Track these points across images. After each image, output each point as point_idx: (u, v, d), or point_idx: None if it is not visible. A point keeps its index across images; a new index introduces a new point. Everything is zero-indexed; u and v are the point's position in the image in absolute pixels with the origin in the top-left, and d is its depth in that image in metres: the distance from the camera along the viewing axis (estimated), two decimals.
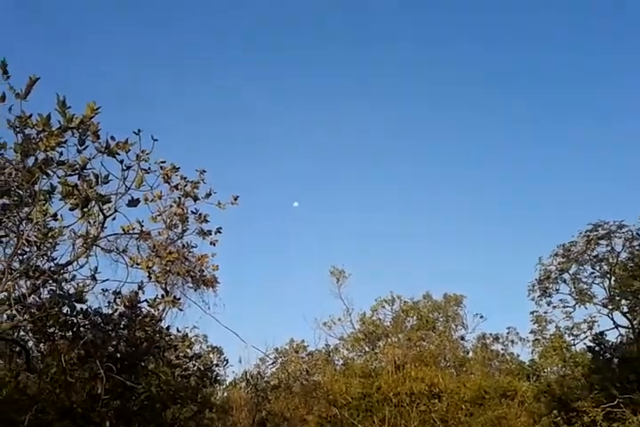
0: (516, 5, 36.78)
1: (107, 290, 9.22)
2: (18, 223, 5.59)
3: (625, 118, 37.26)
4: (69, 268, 6.53)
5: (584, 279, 22.65)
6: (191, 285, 10.85)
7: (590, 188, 34.59)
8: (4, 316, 7.06)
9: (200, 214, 8.96)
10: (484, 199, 36.16)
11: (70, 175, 5.50)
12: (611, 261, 21.80)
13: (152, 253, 8.73)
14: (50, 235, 6.03)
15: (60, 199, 5.49)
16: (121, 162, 5.82)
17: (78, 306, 7.10)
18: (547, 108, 37.15)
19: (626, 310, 21.56)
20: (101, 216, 6.14)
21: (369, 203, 35.96)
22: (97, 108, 5.12)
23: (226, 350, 21.49)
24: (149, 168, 6.82)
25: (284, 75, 35.53)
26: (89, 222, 6.24)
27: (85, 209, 5.68)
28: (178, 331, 11.00)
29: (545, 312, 23.45)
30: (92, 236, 6.31)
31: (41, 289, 7.03)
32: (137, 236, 7.76)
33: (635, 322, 21.38)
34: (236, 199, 8.82)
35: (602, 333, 21.60)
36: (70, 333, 8.64)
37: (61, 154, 5.17)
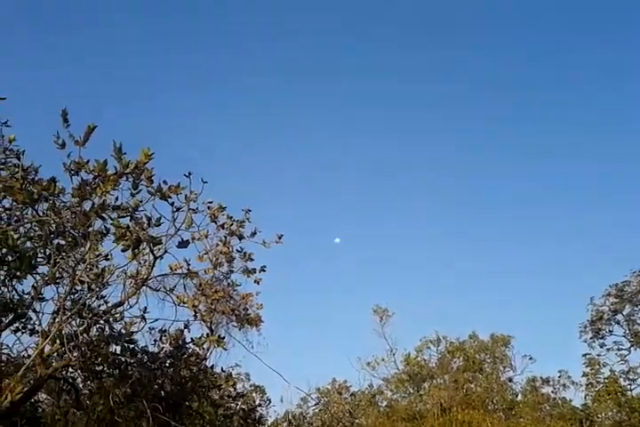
0: None
1: (153, 328, 9.36)
2: (73, 264, 5.77)
3: None
4: (120, 307, 6.67)
5: (639, 321, 21.77)
6: (235, 323, 10.90)
7: None
8: (55, 354, 7.23)
9: (245, 253, 9.08)
10: (531, 235, 35.27)
11: (123, 217, 5.69)
12: None
13: (198, 292, 8.86)
14: (102, 275, 6.19)
15: (114, 241, 5.67)
16: (172, 204, 6.00)
17: (127, 345, 7.21)
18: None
19: None
20: (152, 257, 6.28)
21: (413, 237, 35.52)
22: (151, 154, 5.33)
23: (267, 389, 21.28)
24: (197, 208, 6.98)
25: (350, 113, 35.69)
26: (139, 263, 6.39)
27: (137, 250, 5.83)
28: (222, 370, 10.99)
29: (598, 355, 22.63)
30: (142, 276, 6.45)
31: (91, 328, 7.20)
32: (184, 275, 7.87)
33: None
34: (280, 238, 8.92)
35: None
36: (118, 371, 8.73)
37: (117, 199, 5.39)
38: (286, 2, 35.65)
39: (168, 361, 9.59)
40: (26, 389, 6.71)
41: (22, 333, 7.41)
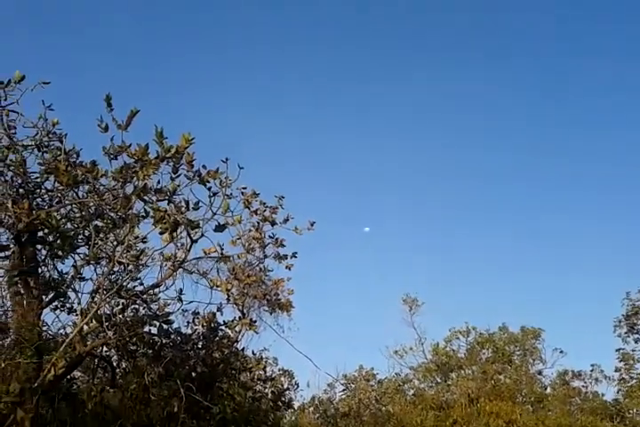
0: None
1: (186, 310, 9.54)
2: (111, 245, 5.92)
3: None
4: (156, 289, 6.82)
5: None
6: (267, 308, 11.03)
7: None
8: (93, 332, 7.44)
9: (277, 239, 9.16)
10: (568, 228, 34.69)
11: (161, 201, 5.80)
12: None
13: (231, 276, 8.98)
14: (139, 257, 6.34)
15: (152, 224, 5.79)
16: (209, 189, 6.08)
17: (163, 326, 7.37)
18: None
19: None
20: (189, 240, 6.40)
21: (444, 229, 35.23)
22: (191, 139, 5.41)
23: (296, 373, 21.48)
24: (232, 194, 7.06)
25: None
26: (176, 246, 6.52)
27: (174, 233, 5.95)
28: (253, 353, 11.17)
29: (632, 350, 22.24)
30: (178, 259, 6.58)
31: (128, 308, 7.39)
32: (218, 259, 7.98)
33: None
34: (312, 225, 8.97)
35: None
36: (152, 351, 8.94)
37: (158, 182, 5.50)
38: None
39: (200, 343, 9.78)
40: (66, 365, 6.93)
41: (61, 311, 7.65)
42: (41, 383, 6.25)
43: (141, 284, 7.17)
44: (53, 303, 7.40)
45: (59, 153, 6.17)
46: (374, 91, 35.16)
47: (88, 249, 6.44)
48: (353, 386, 23.60)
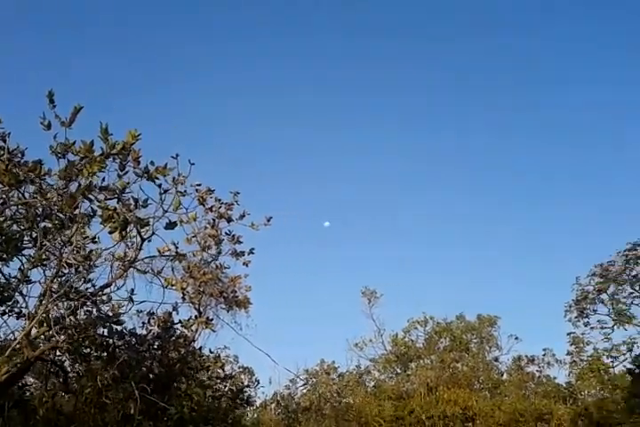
0: None
1: (141, 311, 9.35)
2: (59, 246, 5.73)
3: None
4: (107, 290, 6.64)
5: (623, 300, 22.10)
6: (224, 306, 10.91)
7: (629, 205, 33.86)
8: (43, 337, 7.20)
9: (233, 236, 9.05)
10: (516, 217, 35.64)
11: (110, 199, 5.63)
12: None
13: (186, 275, 8.82)
14: (89, 257, 6.15)
15: (101, 223, 5.62)
16: (159, 186, 5.94)
17: (114, 327, 7.19)
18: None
19: None
20: (139, 239, 6.24)
21: (401, 224, 35.70)
22: (138, 135, 5.26)
23: (256, 370, 21.40)
24: (185, 191, 6.91)
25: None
26: (127, 245, 6.35)
27: (124, 232, 5.79)
28: (210, 352, 11.07)
29: (582, 333, 22.97)
30: (129, 258, 6.42)
31: (78, 311, 7.17)
32: (172, 257, 7.83)
33: None
34: (269, 220, 8.87)
35: None
36: (105, 353, 8.74)
37: (103, 180, 5.32)
38: None
39: (156, 343, 9.61)
40: (13, 371, 6.69)
41: (9, 316, 7.37)
42: None
43: (93, 285, 6.96)
44: (0, 308, 7.12)
45: (1, 152, 5.93)
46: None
47: (35, 251, 6.22)
48: (314, 380, 23.69)
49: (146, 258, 7.13)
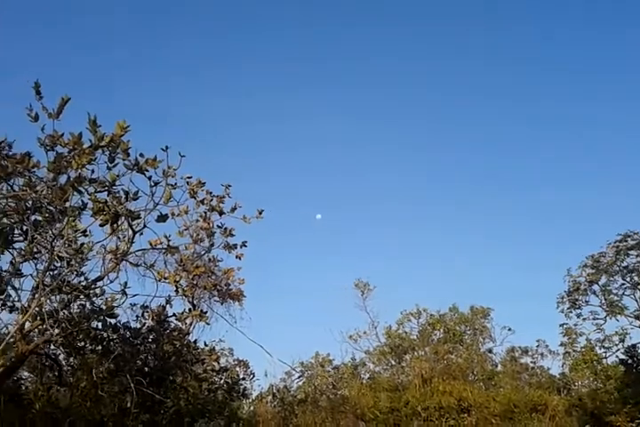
0: None
1: (135, 304, 9.37)
2: (50, 240, 5.73)
3: None
4: (99, 283, 6.65)
5: (614, 291, 22.26)
6: (217, 298, 10.95)
7: (619, 196, 33.93)
8: (36, 330, 7.21)
9: (226, 228, 9.05)
10: (510, 209, 35.67)
11: (100, 192, 5.64)
12: None
13: (179, 268, 8.85)
14: (80, 250, 6.15)
15: (91, 216, 5.62)
16: (149, 178, 5.94)
17: (108, 320, 7.21)
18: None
19: None
20: (130, 232, 6.25)
21: (392, 216, 35.72)
22: (127, 127, 5.25)
23: (252, 363, 21.49)
24: (176, 184, 6.91)
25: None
26: (118, 238, 6.36)
27: (115, 225, 5.80)
28: (205, 345, 11.09)
29: (575, 325, 23.15)
30: (121, 251, 6.43)
31: (72, 304, 7.18)
32: (164, 250, 7.84)
33: None
34: (260, 213, 8.88)
35: (634, 345, 21.10)
36: (100, 347, 8.77)
37: (93, 172, 5.32)
38: None
39: (150, 336, 9.65)
40: (8, 365, 6.71)
41: (2, 310, 7.37)
42: None
43: (85, 278, 6.97)
44: None
45: None
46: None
47: (25, 244, 6.21)
48: (309, 373, 23.78)
49: (138, 251, 7.14)
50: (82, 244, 6.17)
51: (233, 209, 8.76)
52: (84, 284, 6.71)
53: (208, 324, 9.36)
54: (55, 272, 6.57)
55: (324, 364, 24.21)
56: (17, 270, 6.40)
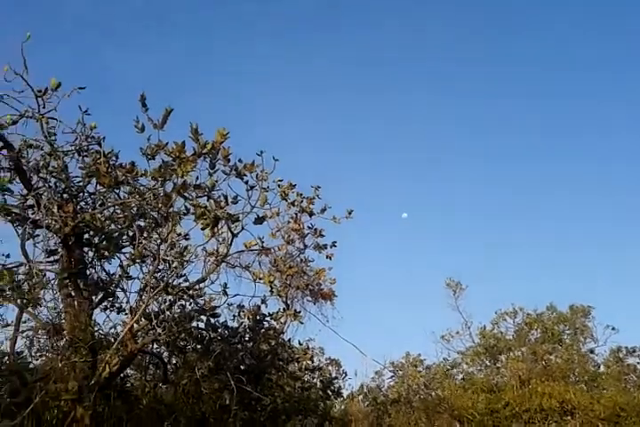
0: None
1: (231, 304, 9.67)
2: (157, 244, 6.03)
3: None
4: (201, 284, 6.93)
5: None
6: (310, 298, 11.09)
7: None
8: (143, 330, 7.60)
9: (316, 229, 9.18)
10: (614, 204, 33.75)
11: (200, 197, 5.87)
12: None
13: (273, 268, 9.05)
14: (183, 254, 6.43)
15: (194, 220, 5.86)
16: (246, 182, 6.12)
17: (210, 320, 7.48)
18: None
19: None
20: (229, 234, 6.46)
21: (485, 210, 34.69)
22: (226, 134, 5.45)
23: (342, 362, 21.59)
24: (268, 186, 7.09)
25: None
26: (218, 241, 6.59)
27: (215, 228, 6.02)
28: (299, 343, 11.25)
29: None
30: (221, 253, 6.66)
31: (175, 305, 7.52)
32: (258, 252, 8.04)
33: None
34: (350, 213, 8.94)
35: None
36: (201, 346, 9.09)
37: (197, 178, 5.56)
38: None
39: (247, 335, 9.90)
40: (119, 363, 7.11)
41: (111, 311, 7.83)
42: (97, 381, 6.43)
43: (186, 280, 7.28)
44: (103, 303, 7.58)
45: (98, 156, 6.30)
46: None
47: (133, 249, 6.57)
48: (401, 373, 23.60)
49: (235, 253, 7.38)
50: (185, 247, 6.45)
51: (323, 210, 8.87)
52: (186, 285, 7.01)
53: (302, 323, 9.51)
54: (160, 274, 6.93)
55: (416, 364, 23.95)
56: (126, 273, 6.79)
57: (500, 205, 34.85)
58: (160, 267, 6.85)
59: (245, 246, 7.62)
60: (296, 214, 9.07)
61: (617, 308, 28.46)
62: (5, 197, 6.16)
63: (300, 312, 9.49)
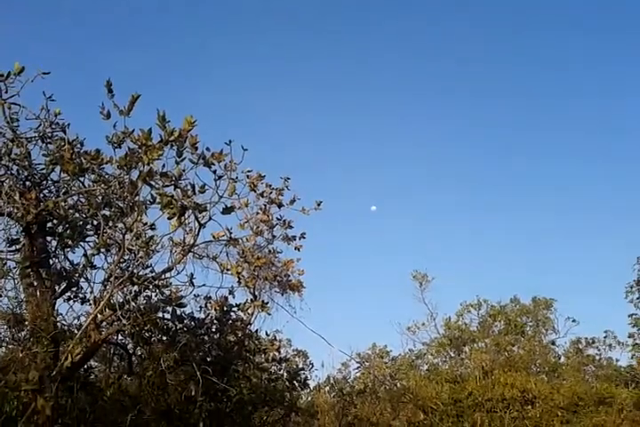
0: None
1: (198, 295, 9.60)
2: (121, 233, 5.93)
3: None
4: (167, 274, 6.85)
5: None
6: (278, 289, 11.06)
7: None
8: (107, 321, 7.49)
9: (285, 220, 9.17)
10: (578, 195, 34.53)
11: (167, 186, 5.79)
12: None
13: (241, 259, 9.00)
14: (149, 243, 6.34)
15: (160, 209, 5.78)
16: (214, 172, 6.06)
17: (176, 311, 7.41)
18: None
19: None
20: (196, 224, 6.40)
21: (449, 205, 35.25)
22: (194, 122, 5.37)
23: (309, 353, 21.67)
24: (237, 177, 7.02)
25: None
26: (185, 231, 6.52)
27: (182, 218, 5.95)
28: (266, 335, 11.25)
29: None
30: (188, 243, 6.59)
31: (140, 295, 7.42)
32: (226, 242, 7.98)
33: None
34: (319, 205, 8.94)
35: None
36: (167, 337, 9.01)
37: (164, 166, 5.48)
38: None
39: (214, 327, 9.86)
40: (81, 354, 6.99)
41: (74, 301, 7.69)
42: (59, 371, 6.31)
43: (152, 270, 7.18)
44: (66, 293, 7.43)
45: (62, 143, 6.16)
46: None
47: (97, 238, 6.46)
48: (367, 364, 23.80)
49: (202, 243, 7.30)
50: (150, 237, 6.36)
51: (292, 201, 8.86)
52: (152, 275, 6.92)
53: (269, 314, 9.49)
54: (125, 264, 6.82)
55: (382, 355, 24.19)
56: (90, 263, 6.67)
57: (468, 199, 35.40)
58: (125, 257, 6.75)
59: (213, 237, 7.55)
60: (265, 205, 9.04)
61: (577, 300, 29.25)
62: None
63: (267, 303, 9.47)
